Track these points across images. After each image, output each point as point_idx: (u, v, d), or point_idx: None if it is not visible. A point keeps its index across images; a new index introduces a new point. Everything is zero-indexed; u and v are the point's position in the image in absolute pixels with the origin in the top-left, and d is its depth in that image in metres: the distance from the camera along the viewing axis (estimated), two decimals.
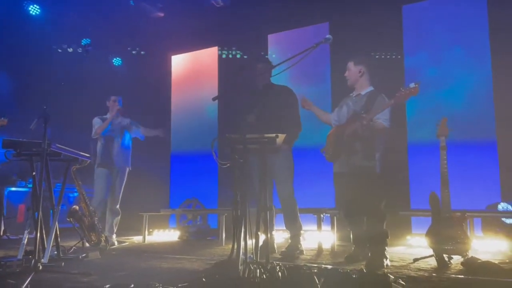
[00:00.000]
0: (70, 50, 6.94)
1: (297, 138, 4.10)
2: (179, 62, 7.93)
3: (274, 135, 2.83)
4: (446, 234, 3.24)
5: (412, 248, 4.49)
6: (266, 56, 6.45)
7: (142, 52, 7.75)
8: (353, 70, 3.69)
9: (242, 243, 2.70)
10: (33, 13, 6.84)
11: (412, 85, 3.17)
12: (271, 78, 4.11)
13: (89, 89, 6.83)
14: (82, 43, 7.05)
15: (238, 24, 6.78)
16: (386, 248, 3.37)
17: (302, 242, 4.05)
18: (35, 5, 6.82)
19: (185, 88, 7.76)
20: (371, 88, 3.65)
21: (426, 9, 5.74)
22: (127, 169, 5.19)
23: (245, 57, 6.87)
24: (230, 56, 7.09)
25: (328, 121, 3.97)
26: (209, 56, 7.46)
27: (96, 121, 5.16)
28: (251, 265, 2.40)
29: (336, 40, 3.66)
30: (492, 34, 5.21)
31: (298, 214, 4.05)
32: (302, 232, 4.06)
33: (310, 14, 6.22)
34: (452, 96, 5.37)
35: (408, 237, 4.96)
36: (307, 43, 3.23)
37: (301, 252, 3.96)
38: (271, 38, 6.84)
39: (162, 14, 6.52)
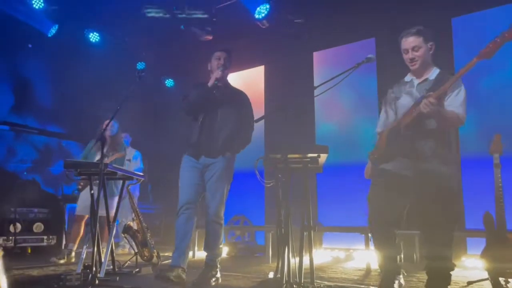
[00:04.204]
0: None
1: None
2: None
3: (316, 154, 2.85)
4: (502, 256, 3.08)
5: (467, 270, 4.28)
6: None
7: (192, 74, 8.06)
8: (424, 48, 2.83)
9: (286, 262, 2.73)
10: (93, 41, 7.36)
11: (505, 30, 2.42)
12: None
13: (143, 109, 7.21)
14: (137, 68, 7.46)
15: (283, 42, 6.90)
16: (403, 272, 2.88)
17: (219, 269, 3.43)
18: (95, 33, 7.33)
19: None
20: (437, 70, 2.87)
21: (477, 19, 5.55)
22: None
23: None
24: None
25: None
26: (255, 75, 7.61)
27: None
28: (294, 286, 2.42)
29: (382, 56, 3.51)
30: None
31: (222, 237, 3.46)
32: (218, 259, 3.43)
33: (356, 30, 6.21)
34: (507, 107, 5.12)
35: (463, 258, 4.72)
36: (353, 60, 3.23)
37: (218, 279, 3.39)
38: (317, 55, 6.88)
39: (210, 37, 6.78)
